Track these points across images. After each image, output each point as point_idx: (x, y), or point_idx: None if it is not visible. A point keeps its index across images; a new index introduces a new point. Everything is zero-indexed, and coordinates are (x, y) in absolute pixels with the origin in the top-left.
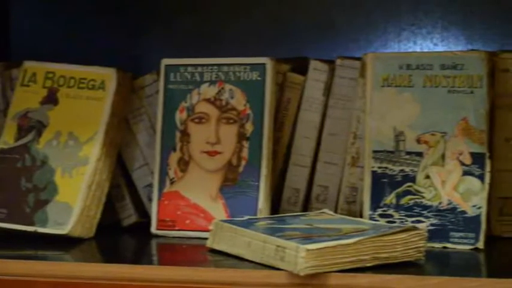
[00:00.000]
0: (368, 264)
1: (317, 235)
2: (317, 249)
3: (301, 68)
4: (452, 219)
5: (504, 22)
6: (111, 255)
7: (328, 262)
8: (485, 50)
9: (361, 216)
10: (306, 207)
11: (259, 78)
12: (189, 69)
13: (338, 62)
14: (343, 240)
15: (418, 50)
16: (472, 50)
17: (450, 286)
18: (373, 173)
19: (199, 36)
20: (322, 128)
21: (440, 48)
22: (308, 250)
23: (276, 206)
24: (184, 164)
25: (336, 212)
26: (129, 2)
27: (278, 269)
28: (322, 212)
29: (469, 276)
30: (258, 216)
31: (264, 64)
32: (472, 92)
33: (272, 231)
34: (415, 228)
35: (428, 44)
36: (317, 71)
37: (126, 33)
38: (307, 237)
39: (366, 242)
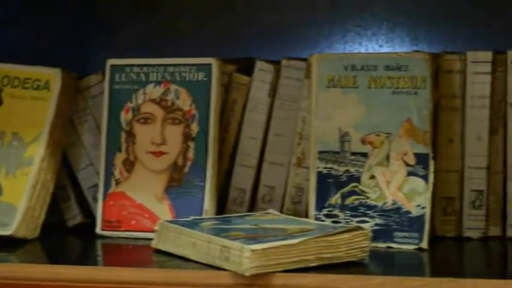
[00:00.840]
0: (312, 264)
1: (262, 235)
2: (262, 249)
3: (247, 68)
4: (397, 219)
5: (449, 24)
6: (56, 256)
7: (273, 262)
8: (429, 52)
9: (306, 216)
10: (252, 207)
11: (205, 79)
12: (135, 69)
13: (284, 62)
14: (288, 241)
15: (363, 51)
16: (417, 51)
17: (393, 285)
18: (319, 173)
19: (146, 37)
20: (268, 129)
21: (385, 49)
22: (253, 250)
23: (221, 207)
24: (129, 165)
25: (281, 212)
26: (75, 2)
27: (223, 269)
28: (268, 213)
29: (413, 276)
30: (204, 216)
31: (209, 64)
32: (416, 93)
33: (217, 232)
34: (359, 228)
35: (374, 45)
36: (263, 71)
37: (72, 33)
38: (252, 237)
39: (310, 242)
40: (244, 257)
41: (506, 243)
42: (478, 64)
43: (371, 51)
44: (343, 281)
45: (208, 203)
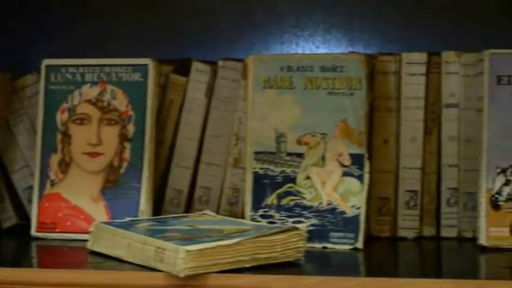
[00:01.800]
0: (248, 265)
1: (198, 236)
2: (197, 250)
3: (184, 69)
4: (332, 220)
5: (384, 25)
6: None
7: (208, 263)
8: (365, 53)
9: (243, 217)
10: (188, 208)
11: (141, 79)
12: (70, 69)
13: (220, 63)
14: (223, 241)
15: (300, 52)
16: (352, 52)
17: (328, 285)
18: (255, 174)
19: (82, 38)
20: (205, 130)
21: (322, 50)
22: (187, 251)
23: (158, 208)
24: (65, 166)
25: (218, 213)
26: (11, 2)
27: (158, 270)
28: (204, 213)
29: (347, 276)
30: (140, 217)
31: (146, 65)
32: (351, 94)
33: (153, 233)
34: (294, 229)
35: (311, 46)
36: (199, 72)
37: (7, 34)
38: (188, 238)
39: (246, 242)
40: (179, 258)
41: (440, 243)
42: (413, 65)
43: (308, 52)
44: (277, 281)
45: (144, 204)
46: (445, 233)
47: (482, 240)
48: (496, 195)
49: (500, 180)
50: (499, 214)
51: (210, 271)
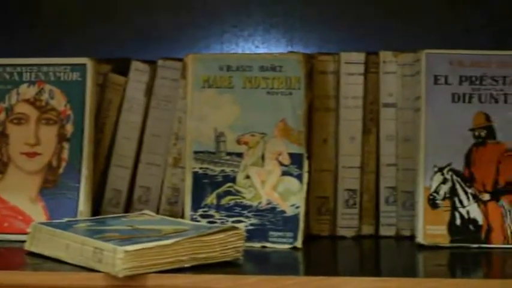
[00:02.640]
0: (187, 265)
1: (137, 236)
2: (135, 250)
3: (123, 68)
4: (272, 219)
5: (323, 25)
6: None
7: (147, 263)
8: (304, 53)
9: (182, 217)
10: (127, 208)
11: (79, 79)
12: (8, 69)
13: (160, 62)
14: (162, 241)
15: (240, 52)
16: (292, 52)
17: (267, 285)
18: (194, 173)
19: (22, 37)
20: (144, 129)
21: (261, 50)
22: (126, 251)
23: (97, 208)
24: (3, 166)
25: (158, 213)
26: None
27: (97, 271)
28: (143, 213)
29: (286, 275)
30: (78, 218)
31: (84, 64)
32: (290, 94)
33: (91, 233)
34: (233, 228)
35: (250, 46)
36: (138, 71)
37: None
38: (127, 238)
39: (184, 242)
40: (117, 258)
41: (379, 242)
42: (352, 65)
43: (247, 51)
44: (216, 281)
45: (83, 204)
46: (383, 231)
47: (420, 239)
48: (434, 194)
49: (438, 179)
50: (436, 212)
51: (149, 271)
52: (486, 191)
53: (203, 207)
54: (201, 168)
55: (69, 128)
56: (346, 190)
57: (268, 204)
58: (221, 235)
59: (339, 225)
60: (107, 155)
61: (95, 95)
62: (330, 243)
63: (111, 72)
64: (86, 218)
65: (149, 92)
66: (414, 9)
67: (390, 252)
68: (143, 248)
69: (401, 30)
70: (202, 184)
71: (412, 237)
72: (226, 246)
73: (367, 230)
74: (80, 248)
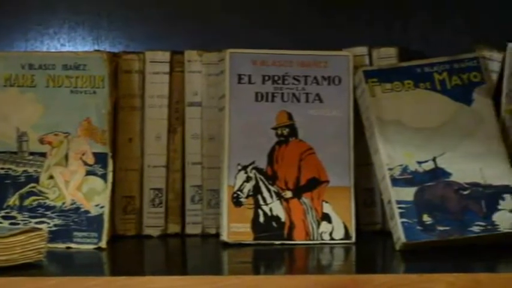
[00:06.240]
0: None
1: None
2: None
3: None
4: (76, 219)
5: (130, 24)
6: None
7: None
8: (110, 51)
9: None
10: None
11: None
12: None
13: None
14: None
15: (45, 50)
16: (98, 51)
17: (69, 286)
18: None
19: None
20: None
21: (67, 48)
22: None
23: None
24: None
25: None
26: None
27: None
28: None
29: (90, 276)
30: None
31: None
32: (94, 93)
33: None
34: (35, 230)
35: (56, 44)
36: None
37: None
38: None
39: None
40: None
41: (185, 240)
42: (157, 64)
43: (53, 50)
44: (17, 283)
45: None
46: (189, 230)
47: (225, 237)
48: (238, 192)
49: (242, 177)
50: (240, 210)
51: None
52: (288, 189)
53: (5, 209)
54: (2, 168)
55: None
56: (152, 189)
57: (73, 204)
58: (22, 237)
59: (145, 224)
60: None
61: None
62: (136, 243)
63: None
64: None
65: None
66: (217, 10)
67: (196, 250)
68: None
69: (207, 29)
70: (4, 185)
71: (217, 235)
72: (27, 248)
73: (173, 228)
74: None
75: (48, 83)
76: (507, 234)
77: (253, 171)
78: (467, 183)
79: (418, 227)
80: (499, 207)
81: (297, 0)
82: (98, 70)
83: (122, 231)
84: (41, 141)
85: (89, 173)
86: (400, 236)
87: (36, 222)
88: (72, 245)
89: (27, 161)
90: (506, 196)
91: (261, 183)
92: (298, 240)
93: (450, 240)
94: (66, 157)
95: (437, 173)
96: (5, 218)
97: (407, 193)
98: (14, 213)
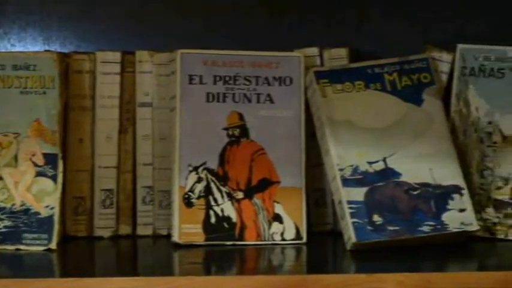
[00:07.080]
0: None
1: None
2: None
3: None
4: (26, 221)
5: (81, 24)
6: None
7: None
8: (61, 52)
9: None
10: None
11: None
12: None
13: None
14: None
15: None
16: (48, 51)
17: None
18: None
19: None
20: None
21: (17, 48)
22: None
23: None
24: None
25: None
26: None
27: None
28: None
29: (39, 278)
30: None
31: None
32: (44, 93)
33: None
34: None
35: (6, 44)
36: None
37: None
38: None
39: None
40: None
41: (136, 241)
42: (108, 64)
43: (3, 50)
44: None
45: None
46: (141, 231)
47: (176, 237)
48: (189, 193)
49: (193, 178)
50: (191, 211)
51: None
52: (240, 189)
53: None
54: None
55: None
56: (102, 190)
57: (22, 205)
58: None
59: (96, 225)
60: None
61: None
62: (86, 244)
63: None
64: None
65: None
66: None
67: (147, 251)
68: None
69: (157, 30)
70: None
71: (169, 236)
72: None
73: (125, 229)
74: None
75: None
76: (456, 233)
77: (205, 171)
78: (417, 183)
79: (369, 227)
80: (448, 207)
81: (248, 1)
82: (48, 70)
83: (72, 233)
84: None
85: (39, 174)
86: (350, 236)
87: None
88: (22, 247)
89: None
90: (456, 196)
91: (212, 184)
92: (250, 240)
93: (400, 240)
94: (16, 158)
95: (388, 173)
96: None
97: (358, 193)
98: None
